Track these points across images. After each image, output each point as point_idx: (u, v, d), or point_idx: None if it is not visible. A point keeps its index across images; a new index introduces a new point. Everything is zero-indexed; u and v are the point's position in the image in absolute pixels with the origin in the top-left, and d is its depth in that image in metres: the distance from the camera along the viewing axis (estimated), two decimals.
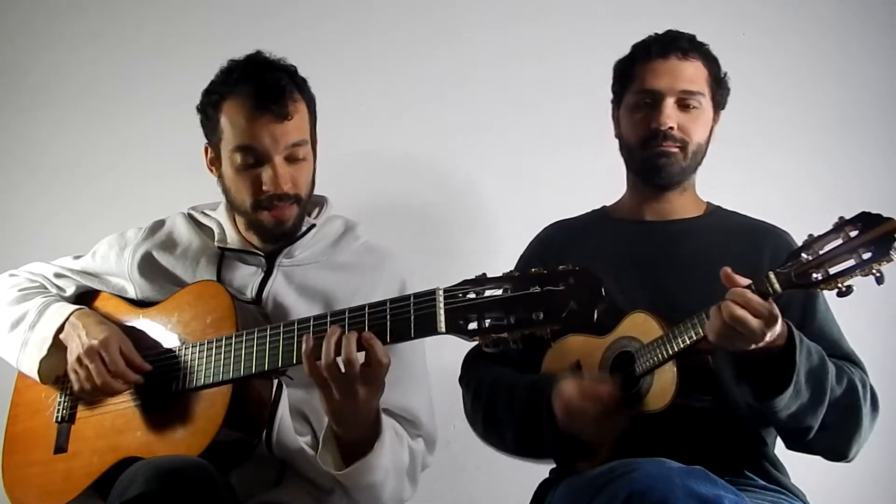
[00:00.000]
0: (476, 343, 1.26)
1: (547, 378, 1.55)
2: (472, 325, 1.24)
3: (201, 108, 1.65)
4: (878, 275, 1.23)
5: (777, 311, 1.32)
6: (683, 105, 1.64)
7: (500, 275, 1.26)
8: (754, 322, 1.29)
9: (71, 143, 2.41)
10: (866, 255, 1.23)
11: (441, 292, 1.28)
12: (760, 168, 2.25)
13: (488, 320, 1.23)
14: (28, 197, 2.40)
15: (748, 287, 1.32)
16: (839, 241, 1.26)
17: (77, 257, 1.79)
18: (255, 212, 1.61)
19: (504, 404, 1.59)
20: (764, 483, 1.52)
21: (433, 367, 1.72)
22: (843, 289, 1.26)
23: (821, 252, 1.27)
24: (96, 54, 2.42)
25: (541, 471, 1.71)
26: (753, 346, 1.33)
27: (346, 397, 1.35)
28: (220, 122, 1.60)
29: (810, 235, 1.30)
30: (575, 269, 1.22)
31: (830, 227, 1.27)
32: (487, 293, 1.25)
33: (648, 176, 1.68)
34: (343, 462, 1.46)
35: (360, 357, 1.33)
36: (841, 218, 1.27)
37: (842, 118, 2.30)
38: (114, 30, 2.42)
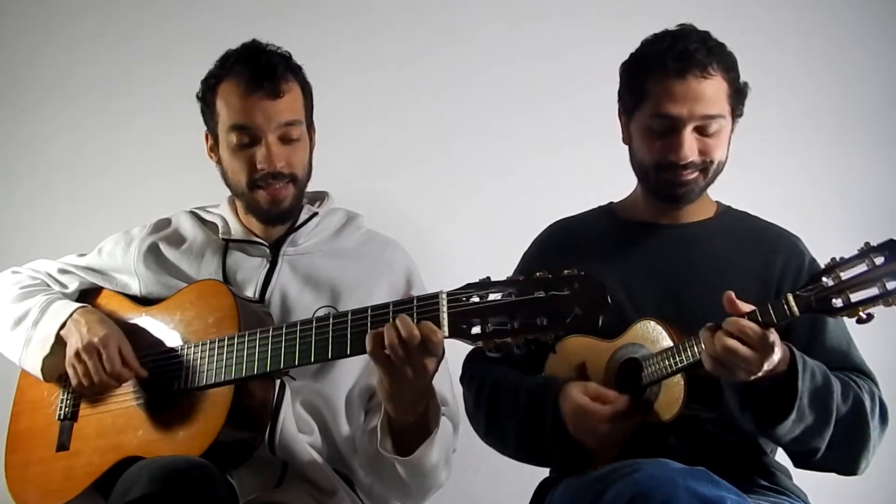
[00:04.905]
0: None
1: (553, 381, 1.54)
2: (476, 330, 1.23)
3: (200, 96, 1.67)
4: None
5: (775, 339, 1.28)
6: (703, 128, 1.53)
7: (505, 279, 1.25)
8: (747, 353, 1.26)
9: (70, 143, 2.41)
10: (891, 285, 1.17)
11: (444, 296, 1.26)
12: (760, 168, 2.25)
13: (492, 325, 1.22)
14: (27, 196, 2.40)
15: (748, 315, 1.28)
16: (863, 268, 1.21)
17: (82, 255, 1.79)
18: (251, 191, 1.62)
19: (508, 406, 1.57)
20: (766, 484, 1.52)
21: None
22: (864, 317, 1.21)
23: (843, 277, 1.22)
24: (96, 54, 2.42)
25: (540, 472, 1.71)
26: (752, 377, 1.30)
27: (416, 372, 1.30)
28: (216, 105, 1.62)
29: (833, 259, 1.24)
30: (580, 273, 1.21)
31: (855, 251, 1.22)
32: (491, 297, 1.23)
33: (665, 199, 1.62)
34: (396, 452, 1.46)
35: None
36: (867, 244, 1.21)
37: (842, 118, 2.30)
38: (114, 30, 2.42)
